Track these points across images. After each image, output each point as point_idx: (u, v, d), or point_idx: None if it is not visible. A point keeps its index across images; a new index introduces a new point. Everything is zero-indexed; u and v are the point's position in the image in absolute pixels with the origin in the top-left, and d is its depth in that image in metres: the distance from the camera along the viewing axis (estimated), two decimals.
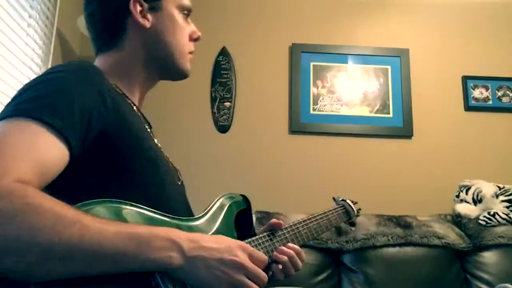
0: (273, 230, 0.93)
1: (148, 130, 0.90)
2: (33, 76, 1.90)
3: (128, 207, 0.66)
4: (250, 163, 2.36)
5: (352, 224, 1.27)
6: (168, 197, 0.81)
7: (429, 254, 1.91)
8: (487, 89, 2.52)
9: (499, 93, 2.52)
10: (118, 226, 0.59)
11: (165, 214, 0.72)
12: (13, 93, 1.71)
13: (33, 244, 0.51)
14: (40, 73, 1.92)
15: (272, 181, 2.33)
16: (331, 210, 1.17)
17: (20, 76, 1.80)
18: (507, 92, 2.52)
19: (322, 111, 2.43)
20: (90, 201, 0.61)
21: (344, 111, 2.44)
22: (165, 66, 0.95)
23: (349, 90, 2.48)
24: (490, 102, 2.51)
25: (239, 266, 0.68)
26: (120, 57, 0.92)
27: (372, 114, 2.45)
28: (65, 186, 0.63)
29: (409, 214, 2.09)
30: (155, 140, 0.90)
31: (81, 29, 2.16)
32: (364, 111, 2.45)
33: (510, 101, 2.51)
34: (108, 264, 0.56)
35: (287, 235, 0.96)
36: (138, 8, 0.91)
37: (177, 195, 0.86)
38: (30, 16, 1.88)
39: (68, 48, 2.28)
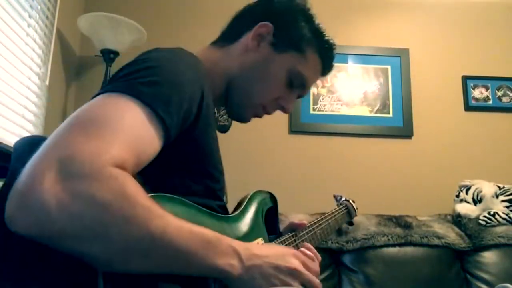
0: (296, 231, 0.93)
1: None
2: (33, 76, 1.89)
3: (191, 207, 0.67)
4: (250, 163, 2.36)
5: (351, 223, 1.29)
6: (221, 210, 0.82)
7: (429, 254, 1.91)
8: (487, 89, 2.52)
9: (499, 93, 2.52)
10: (192, 226, 0.59)
11: (217, 215, 0.73)
12: (13, 92, 1.72)
13: (122, 235, 0.50)
14: (40, 73, 1.94)
15: (272, 181, 2.33)
16: (337, 210, 1.18)
17: (20, 76, 1.79)
18: (507, 92, 2.52)
19: (322, 111, 2.43)
20: (159, 194, 0.61)
21: (344, 111, 2.44)
22: (232, 94, 0.89)
23: (349, 90, 2.48)
24: (490, 102, 2.51)
25: (295, 273, 0.67)
26: (220, 57, 0.90)
27: (372, 114, 2.45)
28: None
29: (409, 214, 2.09)
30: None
31: (81, 29, 2.16)
32: (364, 111, 2.45)
33: (510, 101, 2.51)
34: (180, 262, 0.56)
35: (306, 236, 0.96)
36: (262, 31, 0.88)
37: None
38: (30, 16, 1.88)
39: (68, 48, 2.28)
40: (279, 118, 2.42)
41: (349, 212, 1.26)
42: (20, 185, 0.48)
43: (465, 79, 2.52)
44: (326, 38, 0.92)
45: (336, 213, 1.16)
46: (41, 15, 1.96)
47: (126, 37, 2.11)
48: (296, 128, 2.40)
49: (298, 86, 0.91)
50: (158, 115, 0.61)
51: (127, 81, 0.63)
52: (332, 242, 1.92)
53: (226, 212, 0.83)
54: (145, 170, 0.62)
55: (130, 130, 0.57)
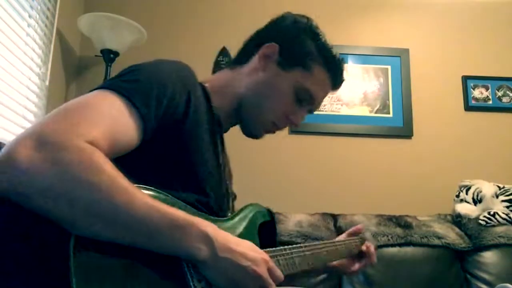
0: (293, 245, 0.93)
1: (218, 152, 0.90)
2: (33, 76, 1.90)
3: (166, 196, 0.69)
4: (250, 163, 2.36)
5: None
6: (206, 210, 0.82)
7: (429, 254, 1.91)
8: (487, 89, 2.52)
9: (499, 93, 2.52)
10: (162, 205, 0.62)
11: (198, 212, 0.74)
12: (13, 92, 1.72)
13: (85, 197, 0.55)
14: (40, 73, 1.94)
15: (272, 181, 2.33)
16: (349, 240, 1.17)
17: (20, 76, 1.80)
18: (507, 92, 2.52)
19: (322, 111, 2.43)
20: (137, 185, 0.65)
21: (344, 111, 2.44)
22: (243, 113, 0.95)
23: (349, 90, 2.48)
24: (490, 102, 2.51)
25: (258, 277, 0.70)
26: (231, 79, 0.96)
27: (372, 114, 2.45)
28: (123, 165, 0.66)
29: (409, 214, 2.09)
30: (219, 163, 0.90)
31: (81, 29, 2.16)
32: (364, 111, 2.45)
33: (510, 101, 2.51)
34: (143, 237, 0.59)
35: (306, 252, 0.96)
36: (268, 52, 0.93)
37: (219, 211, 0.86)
38: (30, 16, 1.88)
39: (68, 48, 2.28)
40: None
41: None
42: (1, 153, 0.55)
43: (465, 79, 2.52)
44: (333, 53, 0.96)
45: (346, 241, 1.15)
46: (41, 15, 1.96)
47: (126, 37, 2.11)
48: (296, 128, 2.40)
49: (306, 101, 0.95)
50: (134, 106, 0.67)
51: (111, 80, 0.72)
52: None
53: (218, 214, 0.84)
54: (135, 165, 0.68)
55: (104, 115, 0.64)
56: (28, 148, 0.54)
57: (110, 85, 0.69)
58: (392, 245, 1.92)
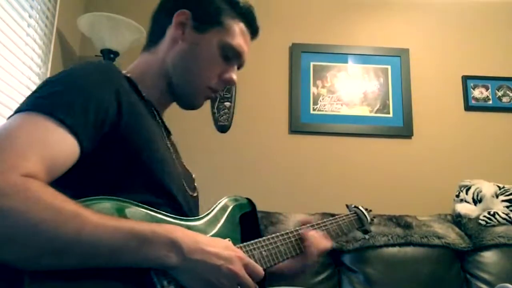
0: (277, 233, 0.92)
1: (164, 135, 0.91)
2: (33, 76, 1.90)
3: (127, 204, 0.67)
4: (250, 163, 2.36)
5: (366, 231, 1.22)
6: (171, 199, 0.81)
7: (429, 254, 1.91)
8: (487, 89, 2.52)
9: (499, 93, 2.52)
10: (117, 222, 0.61)
11: (165, 213, 0.73)
12: (13, 93, 1.72)
13: (31, 239, 0.53)
14: (40, 73, 1.94)
15: (272, 181, 2.33)
16: (342, 216, 1.14)
17: (20, 76, 1.80)
18: (507, 92, 2.52)
19: (322, 111, 2.43)
20: (91, 197, 0.63)
21: (344, 111, 2.44)
22: (175, 88, 0.92)
23: (349, 90, 2.48)
24: (490, 102, 2.50)
25: (233, 276, 0.69)
26: (151, 60, 0.93)
27: (372, 114, 2.45)
28: (74, 181, 0.65)
29: (409, 214, 2.09)
30: (169, 145, 0.90)
31: (81, 29, 2.16)
32: (364, 111, 2.45)
33: (510, 101, 2.51)
34: (104, 258, 0.58)
35: (292, 239, 0.94)
36: (181, 19, 0.91)
37: (183, 200, 0.85)
38: (30, 16, 1.88)
39: (68, 48, 2.28)
40: (279, 118, 2.43)
41: (360, 219, 1.19)
42: None
43: (465, 79, 2.52)
44: (241, 3, 0.94)
45: (339, 219, 1.11)
46: (41, 15, 1.96)
47: (126, 37, 2.11)
48: (296, 128, 2.40)
49: (233, 56, 0.93)
50: (59, 120, 0.63)
51: (28, 99, 0.68)
52: None
53: (181, 207, 0.82)
54: (90, 178, 0.67)
55: (31, 140, 0.60)
56: None
57: (28, 105, 0.65)
58: (392, 245, 1.92)
